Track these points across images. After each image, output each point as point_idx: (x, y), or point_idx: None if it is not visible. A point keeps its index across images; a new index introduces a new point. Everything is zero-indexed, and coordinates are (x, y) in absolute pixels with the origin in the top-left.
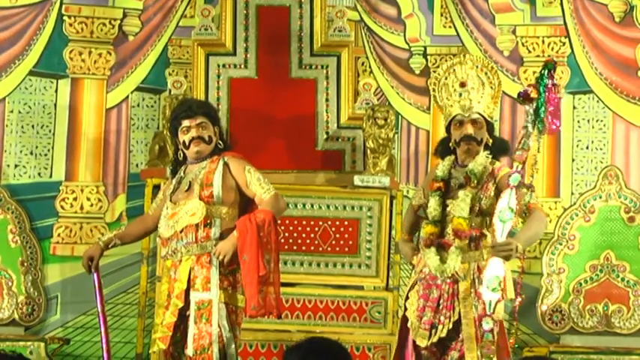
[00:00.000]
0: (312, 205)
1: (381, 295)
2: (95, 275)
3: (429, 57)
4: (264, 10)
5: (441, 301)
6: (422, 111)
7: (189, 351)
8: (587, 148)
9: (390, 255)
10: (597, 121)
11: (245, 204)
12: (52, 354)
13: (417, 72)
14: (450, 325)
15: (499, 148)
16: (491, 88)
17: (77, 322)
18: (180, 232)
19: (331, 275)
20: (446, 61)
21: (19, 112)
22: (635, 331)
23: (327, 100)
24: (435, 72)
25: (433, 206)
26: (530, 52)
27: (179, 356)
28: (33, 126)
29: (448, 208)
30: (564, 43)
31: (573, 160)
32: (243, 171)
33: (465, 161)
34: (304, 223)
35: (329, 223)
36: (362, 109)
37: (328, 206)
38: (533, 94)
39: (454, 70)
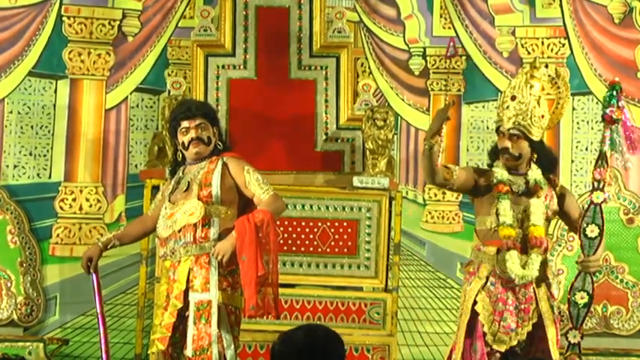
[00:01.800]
0: (311, 206)
1: (380, 296)
2: (94, 276)
3: (428, 58)
4: (263, 11)
5: (517, 304)
6: (421, 112)
7: (189, 352)
8: (587, 149)
9: (390, 256)
10: (597, 122)
11: (244, 204)
12: (51, 354)
13: (417, 73)
14: (530, 328)
15: (545, 166)
16: (555, 101)
17: (76, 323)
18: (179, 231)
19: (330, 276)
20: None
21: (19, 112)
22: (634, 332)
23: (326, 101)
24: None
25: (507, 209)
26: (529, 53)
27: (178, 357)
28: (32, 126)
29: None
30: (564, 45)
31: (572, 162)
32: (242, 171)
33: (519, 169)
34: (303, 224)
35: (328, 224)
36: (361, 110)
37: (327, 207)
38: (617, 116)
39: (514, 81)
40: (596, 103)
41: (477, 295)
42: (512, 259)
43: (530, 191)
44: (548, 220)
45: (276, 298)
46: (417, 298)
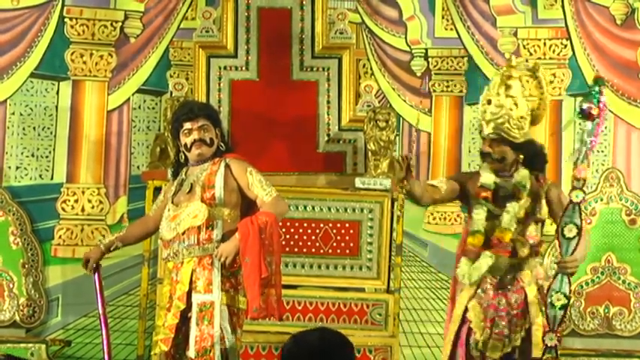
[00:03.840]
0: (313, 208)
1: (382, 297)
2: (96, 276)
3: (430, 59)
4: (265, 13)
5: (510, 310)
6: (423, 113)
7: (191, 353)
8: None
9: (392, 257)
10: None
11: (247, 206)
12: (53, 356)
13: (419, 74)
14: (524, 333)
15: (535, 166)
16: (537, 99)
17: (78, 324)
18: (182, 234)
19: (332, 277)
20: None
21: (21, 114)
22: (636, 333)
23: (328, 102)
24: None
25: (481, 216)
26: (531, 54)
27: (180, 358)
28: (34, 128)
29: (500, 217)
30: (565, 46)
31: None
32: (244, 173)
33: (505, 171)
34: (305, 225)
35: (330, 225)
36: (363, 111)
37: (329, 208)
38: (594, 112)
39: (490, 83)
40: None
41: (468, 302)
42: (462, 263)
43: (513, 194)
44: (537, 221)
45: (279, 299)
46: (418, 299)
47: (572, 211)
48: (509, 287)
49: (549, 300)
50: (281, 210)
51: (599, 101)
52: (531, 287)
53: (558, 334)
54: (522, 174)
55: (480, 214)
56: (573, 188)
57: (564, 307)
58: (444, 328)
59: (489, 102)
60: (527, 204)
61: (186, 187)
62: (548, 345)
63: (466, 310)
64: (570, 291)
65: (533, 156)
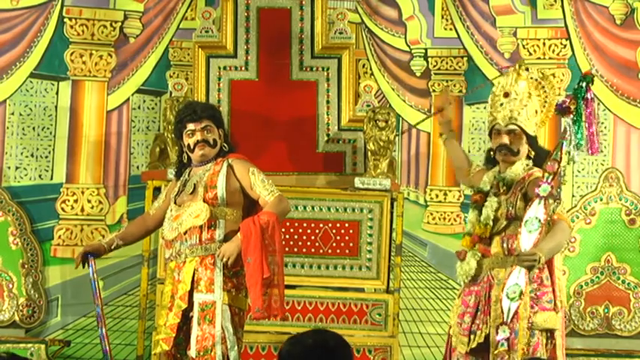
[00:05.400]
0: (312, 208)
1: (381, 298)
2: (92, 265)
3: (429, 59)
4: (265, 13)
5: (480, 307)
6: (423, 113)
7: (192, 352)
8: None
9: (391, 257)
10: (598, 123)
11: (249, 206)
12: (52, 356)
13: (418, 74)
14: (487, 331)
15: (542, 160)
16: (542, 102)
17: (78, 324)
18: (185, 233)
19: (332, 277)
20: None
21: (20, 114)
22: (635, 333)
23: (327, 102)
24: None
25: (470, 219)
26: (531, 54)
27: (181, 358)
28: (34, 128)
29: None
30: (565, 46)
31: (574, 163)
32: (247, 173)
33: (505, 171)
34: (305, 225)
35: (330, 225)
36: (363, 111)
37: (329, 208)
38: (571, 106)
39: (503, 79)
40: (598, 104)
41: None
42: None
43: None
44: (515, 218)
45: (281, 299)
46: (418, 299)
47: (537, 205)
48: (482, 284)
49: (505, 292)
50: (283, 209)
51: (584, 98)
52: (500, 286)
53: (510, 327)
54: (512, 169)
55: (471, 218)
56: (541, 183)
57: (517, 300)
58: None
59: (506, 95)
60: (502, 200)
61: (189, 187)
62: (500, 337)
63: None
64: (526, 285)
65: (541, 154)
